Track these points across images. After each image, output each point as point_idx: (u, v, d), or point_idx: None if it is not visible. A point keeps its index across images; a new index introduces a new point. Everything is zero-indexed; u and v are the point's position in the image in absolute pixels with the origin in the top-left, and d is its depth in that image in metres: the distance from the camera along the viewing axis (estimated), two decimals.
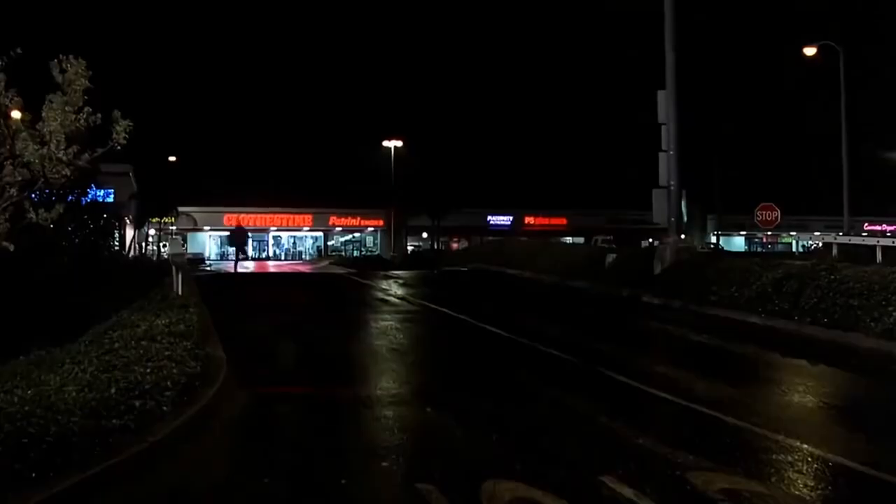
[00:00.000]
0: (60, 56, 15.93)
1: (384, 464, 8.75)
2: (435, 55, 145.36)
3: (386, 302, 25.96)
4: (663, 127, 26.71)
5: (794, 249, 57.55)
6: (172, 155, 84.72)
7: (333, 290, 32.40)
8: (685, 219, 30.03)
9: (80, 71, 16.27)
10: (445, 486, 8.05)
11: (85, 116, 16.18)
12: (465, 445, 9.55)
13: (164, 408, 9.81)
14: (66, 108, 15.27)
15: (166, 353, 12.32)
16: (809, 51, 51.33)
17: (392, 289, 30.14)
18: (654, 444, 9.44)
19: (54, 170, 15.07)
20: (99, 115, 15.98)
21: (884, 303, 17.24)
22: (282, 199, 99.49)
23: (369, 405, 11.49)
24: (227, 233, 76.30)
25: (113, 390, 9.91)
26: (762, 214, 46.37)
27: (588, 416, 10.94)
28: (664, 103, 26.75)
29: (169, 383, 10.55)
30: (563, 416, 10.99)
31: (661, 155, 26.77)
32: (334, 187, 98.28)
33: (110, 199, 60.43)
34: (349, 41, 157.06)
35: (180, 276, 20.71)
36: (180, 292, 20.26)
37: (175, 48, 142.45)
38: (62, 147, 15.89)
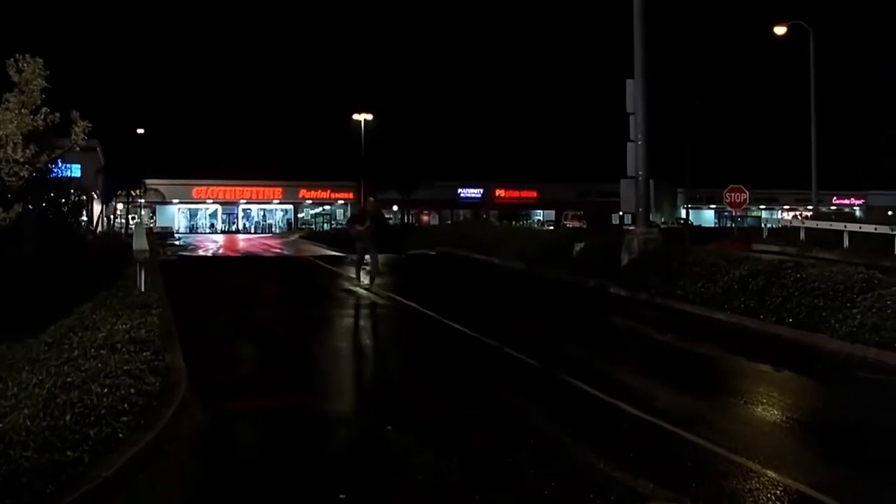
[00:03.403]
0: (17, 55, 15.75)
1: (342, 496, 8.64)
2: (405, 28, 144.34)
3: (352, 294, 25.81)
4: (631, 117, 26.60)
5: (762, 224, 57.76)
6: (140, 127, 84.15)
7: (300, 280, 32.25)
8: (653, 209, 30.09)
9: (37, 70, 16.05)
10: None
11: (43, 116, 16.00)
12: (423, 473, 9.41)
13: (120, 435, 9.62)
14: (23, 110, 15.11)
15: (125, 367, 12.09)
16: (780, 30, 51.63)
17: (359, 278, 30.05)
18: (615, 469, 9.37)
19: (11, 171, 14.96)
20: (57, 115, 15.78)
21: (848, 304, 17.27)
22: (251, 172, 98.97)
23: (329, 423, 11.42)
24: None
25: (68, 416, 9.71)
26: (731, 196, 46.51)
27: (550, 436, 10.87)
28: (632, 93, 26.64)
29: (126, 405, 10.36)
30: (524, 435, 10.88)
31: (630, 145, 26.67)
32: (304, 160, 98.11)
33: (77, 173, 59.84)
34: (319, 14, 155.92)
35: (143, 272, 20.50)
36: (143, 289, 20.08)
37: (142, 21, 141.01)
38: (19, 149, 15.70)
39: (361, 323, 19.78)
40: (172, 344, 15.35)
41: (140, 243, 20.76)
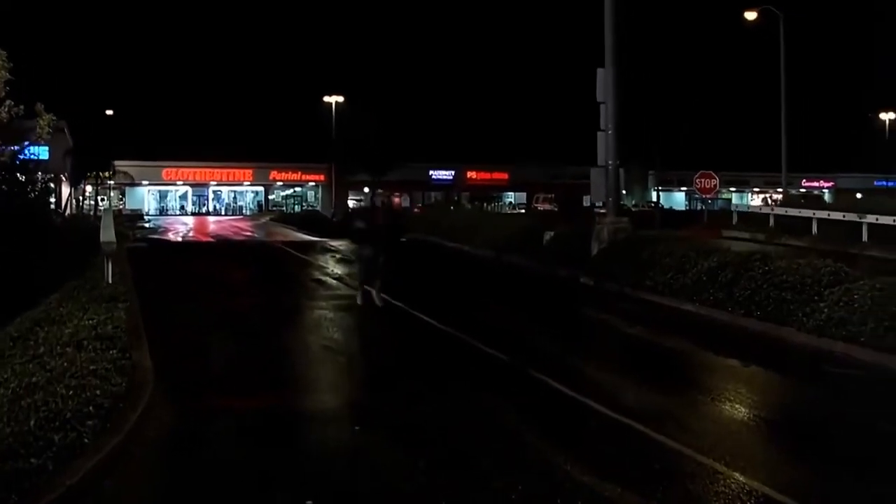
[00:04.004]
0: None
1: (309, 502, 8.59)
2: (377, 10, 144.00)
3: (322, 284, 25.74)
4: (602, 106, 26.54)
5: (733, 206, 58.10)
6: (110, 108, 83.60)
7: (270, 268, 32.13)
8: (624, 192, 30.22)
9: (1, 62, 15.85)
10: None
11: (7, 109, 15.83)
12: (390, 476, 9.39)
13: (86, 440, 9.52)
14: None
15: (91, 366, 12.02)
16: (750, 15, 51.89)
17: (329, 266, 29.82)
18: (583, 471, 9.37)
19: None
20: (22, 108, 15.61)
21: (816, 297, 17.33)
22: (222, 154, 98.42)
23: (297, 422, 11.35)
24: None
25: (32, 421, 9.64)
26: (701, 182, 46.72)
27: (519, 436, 10.88)
28: (603, 82, 26.56)
29: (91, 408, 10.26)
30: (493, 435, 10.89)
31: (600, 134, 26.62)
32: (275, 142, 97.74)
33: (45, 156, 59.10)
34: None
35: (110, 263, 20.38)
36: (110, 280, 19.97)
37: (112, 3, 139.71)
38: None
39: (331, 315, 19.65)
40: (140, 340, 15.24)
41: (107, 235, 20.59)
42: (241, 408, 12.06)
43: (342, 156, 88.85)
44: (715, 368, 15.60)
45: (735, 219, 47.53)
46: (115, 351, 13.16)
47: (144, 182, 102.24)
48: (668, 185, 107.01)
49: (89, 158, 72.48)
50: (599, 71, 26.75)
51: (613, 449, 10.46)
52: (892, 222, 35.10)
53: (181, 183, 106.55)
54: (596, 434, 11.20)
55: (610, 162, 26.48)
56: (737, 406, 12.55)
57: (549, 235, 29.81)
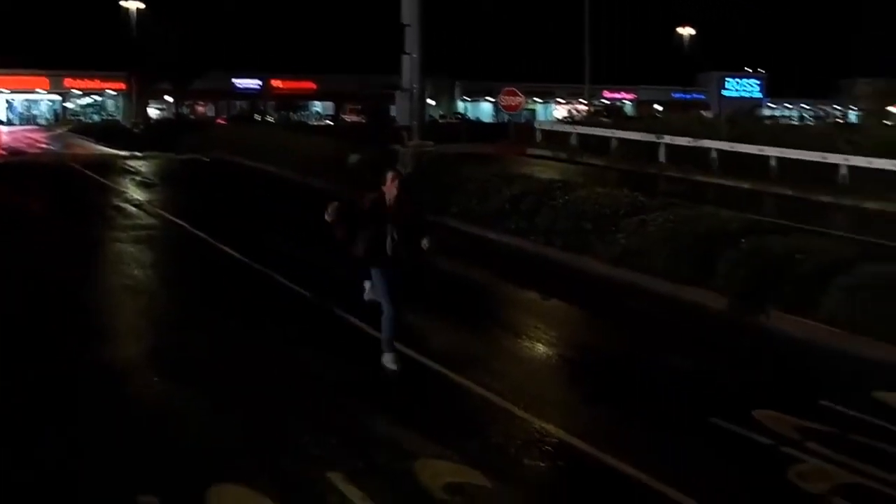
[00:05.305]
0: None
1: (109, 468, 8.33)
2: None
3: (122, 211, 24.84)
4: (407, 29, 26.25)
5: (536, 123, 58.75)
6: None
7: (66, 192, 30.68)
8: (432, 105, 30.29)
9: None
10: (170, 495, 7.78)
11: None
12: (192, 436, 9.18)
13: None
14: None
15: None
16: None
17: (129, 191, 28.90)
18: (388, 424, 9.41)
19: None
20: None
21: (613, 228, 17.70)
22: (13, 61, 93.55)
23: (97, 375, 10.97)
24: None
25: None
26: (506, 100, 47.27)
27: (324, 384, 10.83)
28: (408, 4, 26.31)
29: None
30: (300, 385, 10.80)
31: (405, 58, 26.40)
32: (72, 49, 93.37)
33: None
34: None
35: None
36: None
37: None
38: None
39: (131, 249, 18.95)
40: None
41: None
42: (35, 361, 11.51)
43: (143, 64, 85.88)
44: (517, 303, 15.91)
45: (539, 136, 48.24)
46: None
47: None
48: (475, 95, 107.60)
49: None
50: None
51: (418, 395, 10.60)
52: (686, 143, 36.38)
53: None
54: (401, 380, 11.14)
55: (415, 86, 26.36)
56: (537, 344, 12.89)
57: (354, 158, 29.53)
